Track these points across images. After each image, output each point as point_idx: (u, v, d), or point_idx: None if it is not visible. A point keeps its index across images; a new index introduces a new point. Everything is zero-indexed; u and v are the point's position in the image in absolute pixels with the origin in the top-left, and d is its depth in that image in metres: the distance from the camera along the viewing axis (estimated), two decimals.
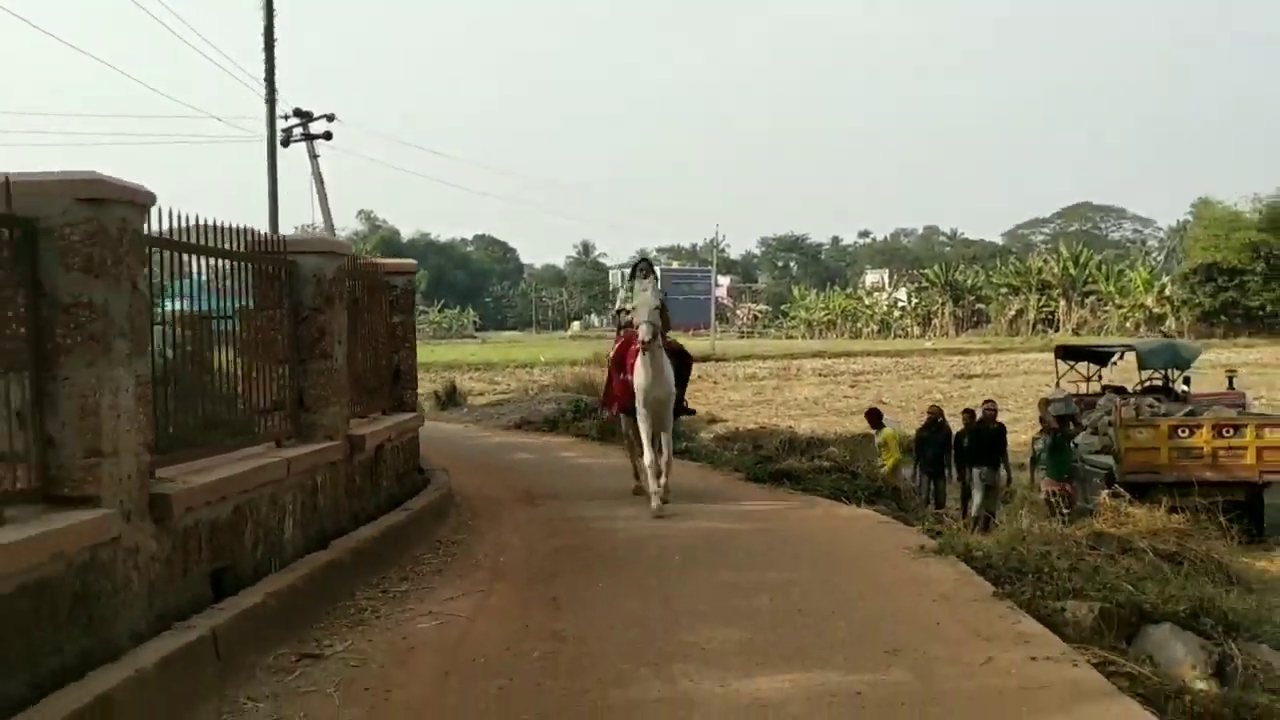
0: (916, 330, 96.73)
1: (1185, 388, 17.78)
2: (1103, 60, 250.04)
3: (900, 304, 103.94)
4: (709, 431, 19.44)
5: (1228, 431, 14.49)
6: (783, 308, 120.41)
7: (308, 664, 5.19)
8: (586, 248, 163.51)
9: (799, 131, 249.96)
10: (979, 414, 14.27)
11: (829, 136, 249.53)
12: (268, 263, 6.81)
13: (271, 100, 25.62)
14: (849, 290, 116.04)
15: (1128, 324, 77.19)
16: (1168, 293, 78.28)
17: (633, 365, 9.93)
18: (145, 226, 5.06)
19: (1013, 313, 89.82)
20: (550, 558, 7.92)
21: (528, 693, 4.86)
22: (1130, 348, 19.20)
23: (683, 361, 10.80)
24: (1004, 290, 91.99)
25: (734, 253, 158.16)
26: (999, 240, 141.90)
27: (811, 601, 6.50)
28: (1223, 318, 74.24)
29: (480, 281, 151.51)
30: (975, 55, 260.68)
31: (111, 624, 4.54)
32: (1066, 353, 20.47)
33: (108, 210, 4.59)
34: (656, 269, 12.34)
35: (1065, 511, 12.20)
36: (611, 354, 11.15)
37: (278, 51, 25.41)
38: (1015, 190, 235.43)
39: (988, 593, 6.66)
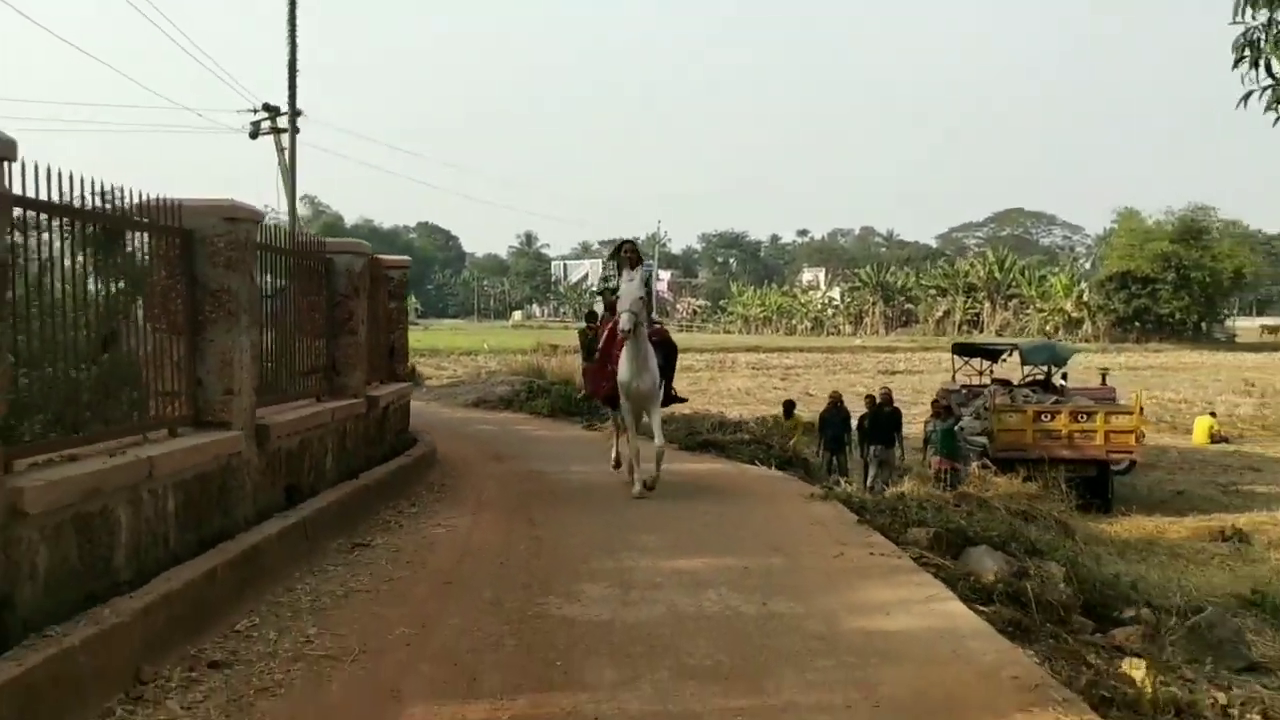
0: (848, 328, 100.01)
1: (1063, 381, 20.44)
2: (1045, 66, 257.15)
3: (834, 302, 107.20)
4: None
5: (1082, 417, 17.10)
6: (721, 303, 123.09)
7: (360, 550, 7.32)
8: (529, 238, 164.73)
9: (741, 128, 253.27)
10: (877, 398, 16.70)
11: (772, 135, 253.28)
12: (314, 259, 8.90)
13: (294, 123, 27.71)
14: (785, 288, 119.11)
15: (1047, 326, 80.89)
16: (1085, 298, 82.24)
17: (619, 356, 9.93)
18: (258, 235, 7.16)
19: (940, 313, 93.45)
20: (521, 496, 10.07)
21: (520, 566, 7.04)
22: (1015, 347, 21.87)
23: (669, 350, 10.67)
24: (932, 292, 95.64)
25: (674, 247, 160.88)
26: (933, 243, 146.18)
27: (724, 523, 8.75)
28: (1136, 324, 78.29)
29: (423, 269, 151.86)
30: (923, 53, 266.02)
31: (236, 510, 6.63)
32: (961, 350, 23.15)
33: (239, 226, 6.67)
34: (649, 260, 12.09)
35: (950, 485, 14.65)
36: (602, 339, 10.75)
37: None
38: (951, 194, 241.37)
39: (853, 520, 8.95)
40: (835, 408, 16.66)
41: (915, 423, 19.50)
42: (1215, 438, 24.90)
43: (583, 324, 16.85)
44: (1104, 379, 21.10)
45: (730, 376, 44.10)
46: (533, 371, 25.17)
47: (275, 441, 7.29)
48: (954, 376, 22.18)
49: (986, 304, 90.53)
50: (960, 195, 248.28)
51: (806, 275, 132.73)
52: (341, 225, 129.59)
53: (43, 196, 4.80)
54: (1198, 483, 19.57)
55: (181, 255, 6.40)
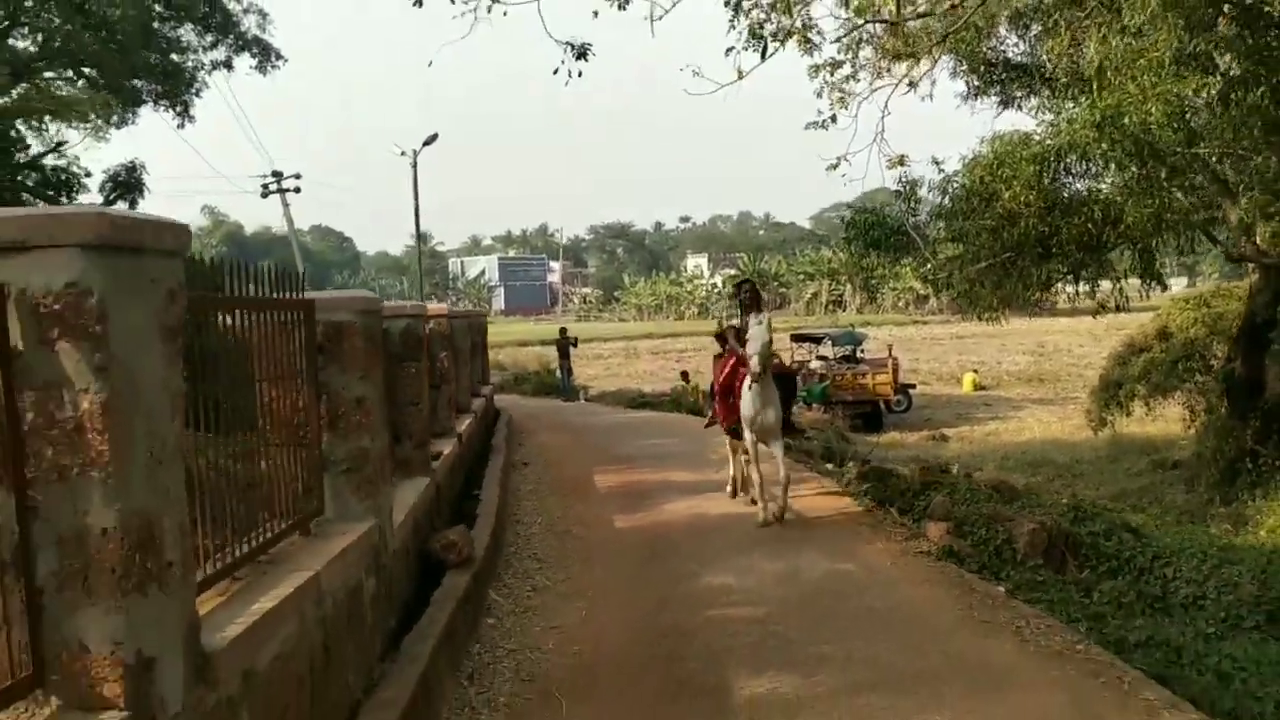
0: (730, 312, 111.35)
1: (862, 354, 31.33)
2: None
3: (717, 289, 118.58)
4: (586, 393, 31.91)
5: (861, 375, 28.03)
6: (615, 294, 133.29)
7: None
8: (423, 236, 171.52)
9: (628, 120, 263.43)
10: None
11: (656, 124, 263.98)
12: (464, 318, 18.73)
13: (418, 235, 36.43)
14: (673, 276, 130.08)
15: (900, 304, 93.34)
16: (928, 277, 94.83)
17: (740, 390, 10.50)
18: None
19: (809, 296, 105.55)
20: (533, 426, 19.94)
21: (568, 450, 17.02)
22: (828, 336, 32.83)
23: (788, 383, 11.35)
24: (801, 277, 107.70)
25: (562, 239, 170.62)
26: (807, 224, 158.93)
27: (665, 445, 18.77)
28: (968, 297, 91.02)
29: (322, 271, 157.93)
30: None
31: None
32: (797, 338, 33.83)
33: (373, 316, 16.50)
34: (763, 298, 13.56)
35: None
36: (722, 375, 11.22)
37: None
38: (822, 176, 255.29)
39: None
40: None
41: None
42: (978, 387, 36.21)
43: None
44: (890, 350, 32.02)
45: (636, 361, 54.43)
46: (493, 364, 34.94)
47: (453, 449, 17.14)
48: (793, 356, 32.84)
49: (848, 286, 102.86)
50: (832, 176, 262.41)
51: (690, 262, 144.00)
52: (242, 233, 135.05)
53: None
54: (948, 415, 30.61)
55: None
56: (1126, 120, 11.65)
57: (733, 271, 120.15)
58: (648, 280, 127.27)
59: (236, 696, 3.66)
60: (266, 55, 23.80)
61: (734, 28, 7.98)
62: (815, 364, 29.89)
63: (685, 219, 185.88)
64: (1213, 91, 10.29)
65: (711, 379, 26.36)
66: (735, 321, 11.30)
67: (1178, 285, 57.82)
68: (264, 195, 38.83)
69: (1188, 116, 11.82)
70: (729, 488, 11.91)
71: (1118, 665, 6.34)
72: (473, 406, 15.64)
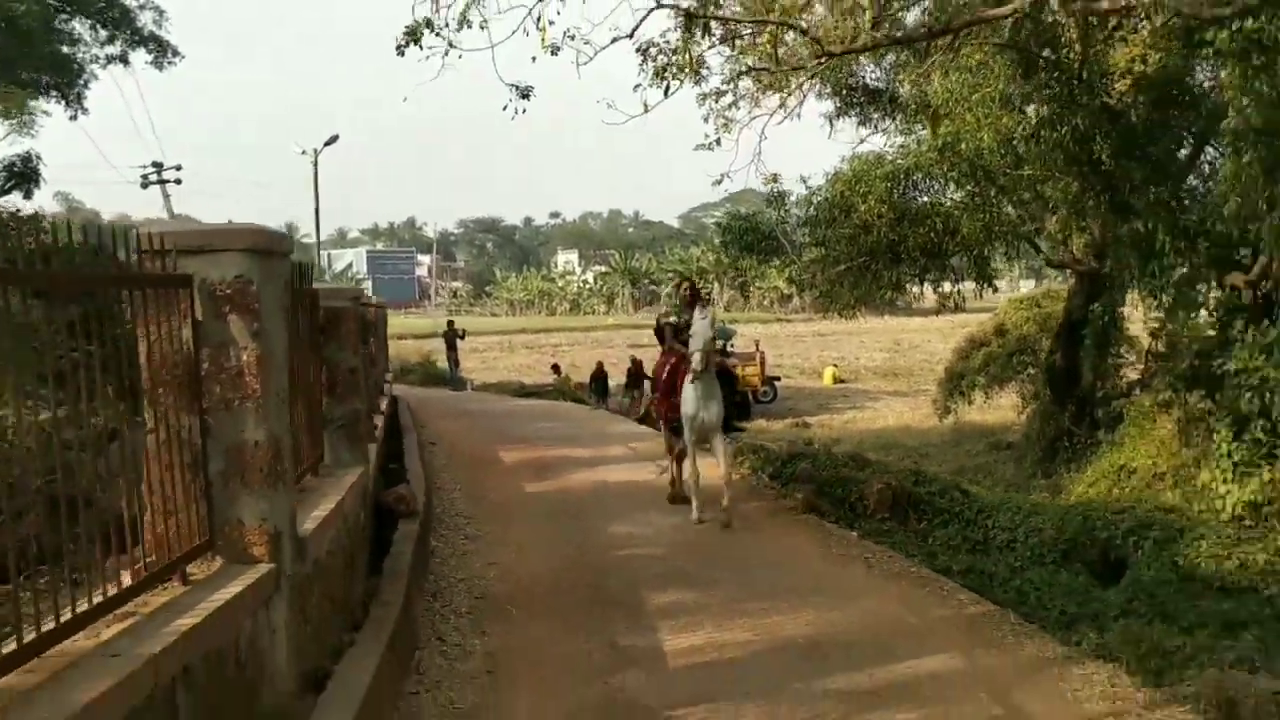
0: (602, 308, 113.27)
1: (731, 348, 33.39)
2: None
3: (588, 286, 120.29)
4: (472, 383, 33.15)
5: (732, 368, 30.10)
6: (486, 288, 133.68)
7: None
8: (290, 228, 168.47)
9: (491, 116, 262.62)
10: (631, 364, 28.94)
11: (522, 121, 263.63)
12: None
13: (317, 231, 36.50)
14: (544, 271, 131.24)
15: (765, 302, 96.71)
16: (794, 278, 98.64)
17: (680, 388, 10.36)
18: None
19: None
20: (430, 412, 21.28)
21: (468, 432, 18.42)
22: None
23: (728, 380, 11.37)
24: (671, 275, 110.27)
25: (430, 232, 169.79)
26: (676, 224, 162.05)
27: (557, 428, 20.28)
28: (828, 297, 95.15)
29: None
30: None
31: None
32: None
33: (359, 304, 17.68)
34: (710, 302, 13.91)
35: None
36: (663, 373, 11.14)
37: None
38: (690, 176, 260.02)
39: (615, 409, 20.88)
40: (600, 371, 28.69)
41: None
42: (838, 380, 38.79)
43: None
44: (757, 345, 34.24)
45: (513, 355, 55.67)
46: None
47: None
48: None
49: (716, 284, 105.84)
50: (701, 177, 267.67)
51: (561, 258, 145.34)
52: (99, 219, 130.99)
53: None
54: (810, 405, 32.98)
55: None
56: (963, 146, 13.72)
57: (603, 268, 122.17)
58: (519, 275, 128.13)
59: (313, 574, 5.09)
60: (164, 51, 24.34)
61: (642, 69, 9.55)
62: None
63: (555, 215, 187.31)
64: (1028, 128, 12.38)
65: (592, 373, 28.18)
66: (673, 319, 11.22)
67: (1027, 287, 61.83)
68: (144, 186, 38.80)
69: (1014, 143, 13.94)
70: (670, 490, 11.25)
71: (941, 580, 8.22)
72: (383, 390, 16.86)
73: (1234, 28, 9.49)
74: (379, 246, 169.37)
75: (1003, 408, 24.51)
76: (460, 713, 5.54)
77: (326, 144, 34.25)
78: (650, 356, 39.80)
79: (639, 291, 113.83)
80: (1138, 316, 16.39)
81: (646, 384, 29.90)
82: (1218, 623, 7.98)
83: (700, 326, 9.94)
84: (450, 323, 31.79)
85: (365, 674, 4.98)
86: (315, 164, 32.20)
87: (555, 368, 30.03)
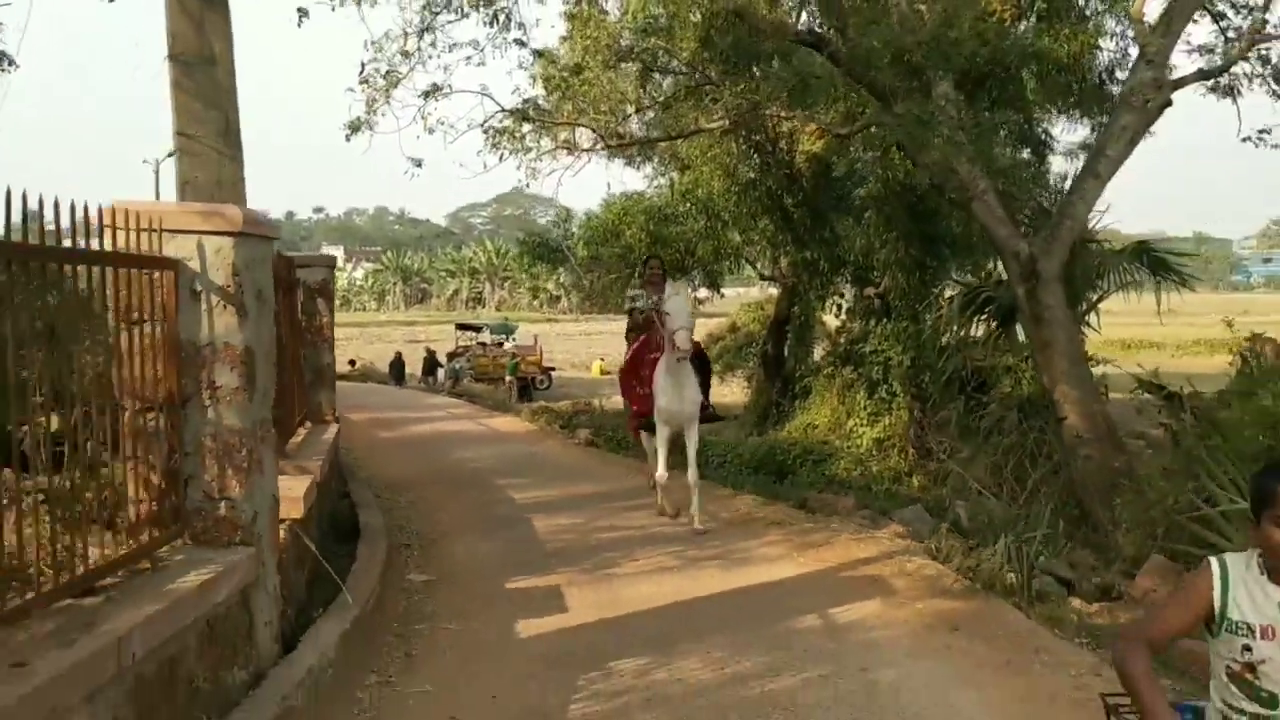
0: (373, 305, 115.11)
1: (514, 342, 38.19)
2: None
3: (358, 282, 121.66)
4: None
5: (506, 358, 34.98)
6: None
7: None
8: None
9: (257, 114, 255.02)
10: (427, 353, 33.15)
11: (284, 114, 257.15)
12: None
13: None
14: None
15: (535, 302, 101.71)
16: (562, 280, 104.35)
17: (650, 377, 9.40)
18: None
19: (450, 292, 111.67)
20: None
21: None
22: (487, 325, 39.54)
23: (704, 364, 10.14)
24: (443, 274, 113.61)
25: None
26: (443, 222, 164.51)
27: (382, 400, 24.34)
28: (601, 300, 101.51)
29: None
30: None
31: None
32: (460, 326, 40.12)
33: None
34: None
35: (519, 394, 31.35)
36: (626, 359, 10.42)
37: None
38: (457, 175, 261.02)
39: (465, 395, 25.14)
40: (399, 359, 32.89)
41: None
42: (604, 372, 44.25)
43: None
44: (535, 340, 39.23)
45: None
46: None
47: None
48: (457, 342, 39.15)
49: (488, 284, 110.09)
50: (468, 178, 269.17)
51: (326, 254, 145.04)
52: None
53: None
54: (582, 392, 37.87)
55: None
56: (700, 191, 19.00)
57: (372, 265, 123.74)
58: None
59: (305, 518, 9.51)
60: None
61: (486, 142, 14.01)
62: (474, 350, 36.57)
63: (319, 210, 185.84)
64: (741, 182, 17.71)
65: (391, 361, 32.79)
66: (640, 304, 10.16)
67: (754, 292, 69.56)
68: None
69: (734, 191, 19.32)
70: (658, 508, 10.08)
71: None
72: None
73: (863, 133, 15.11)
74: None
75: (734, 390, 30.39)
76: (411, 530, 10.03)
77: (169, 155, 35.41)
78: (439, 349, 42.69)
79: (410, 289, 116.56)
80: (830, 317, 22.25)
81: (440, 369, 34.42)
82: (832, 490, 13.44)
83: (678, 302, 9.05)
84: None
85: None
86: (156, 172, 33.06)
87: (352, 362, 34.11)
